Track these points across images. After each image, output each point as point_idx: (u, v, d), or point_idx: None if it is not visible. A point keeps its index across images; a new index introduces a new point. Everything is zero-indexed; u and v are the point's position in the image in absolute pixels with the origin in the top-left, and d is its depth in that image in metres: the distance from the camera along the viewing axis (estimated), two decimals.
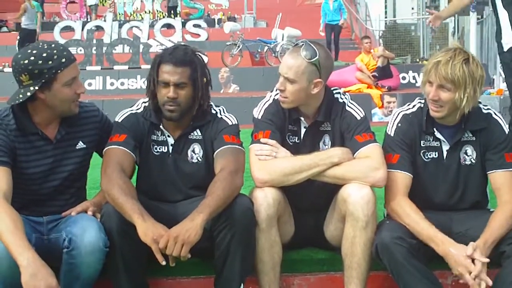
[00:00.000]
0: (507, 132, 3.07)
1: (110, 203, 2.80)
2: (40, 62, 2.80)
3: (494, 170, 3.04)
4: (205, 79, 3.03)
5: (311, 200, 3.19)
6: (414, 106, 3.14)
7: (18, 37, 14.42)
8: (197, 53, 3.07)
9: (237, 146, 3.03)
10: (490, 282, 2.74)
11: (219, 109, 3.16)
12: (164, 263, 2.63)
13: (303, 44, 3.04)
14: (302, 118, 3.15)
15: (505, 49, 4.46)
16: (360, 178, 2.94)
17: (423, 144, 3.08)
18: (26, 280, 2.47)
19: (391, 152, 3.05)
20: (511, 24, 4.50)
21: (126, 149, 2.98)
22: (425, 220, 2.88)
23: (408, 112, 3.12)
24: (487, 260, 2.75)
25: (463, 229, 3.02)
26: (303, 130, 3.16)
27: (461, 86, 2.88)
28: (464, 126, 3.05)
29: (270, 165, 2.98)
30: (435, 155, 3.08)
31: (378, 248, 2.87)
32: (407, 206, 2.94)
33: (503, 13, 4.51)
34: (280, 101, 3.10)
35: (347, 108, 3.15)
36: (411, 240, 2.85)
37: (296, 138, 3.16)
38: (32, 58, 2.80)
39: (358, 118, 3.12)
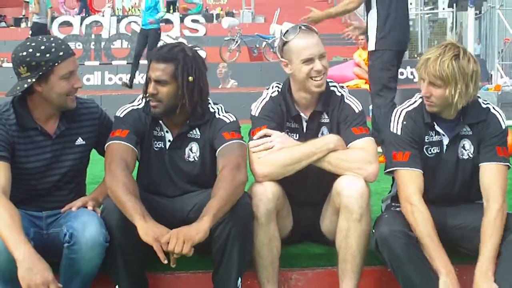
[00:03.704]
0: (504, 127, 3.06)
1: (112, 199, 2.80)
2: (37, 54, 2.81)
3: (484, 162, 3.02)
4: (190, 77, 2.96)
5: (308, 193, 3.20)
6: (415, 102, 3.13)
7: (31, 32, 14.42)
8: (188, 50, 3.01)
9: (237, 141, 3.02)
10: None
11: (218, 108, 3.14)
12: (166, 261, 2.62)
13: (301, 27, 3.11)
14: (302, 114, 3.16)
15: None
16: (353, 169, 2.96)
17: (427, 139, 3.07)
18: (22, 274, 2.49)
19: (401, 150, 3.02)
20: None
21: (129, 145, 2.97)
22: (439, 242, 2.86)
23: (410, 108, 3.11)
24: None
25: (457, 223, 3.04)
26: (304, 125, 3.18)
27: (451, 82, 2.88)
28: (463, 120, 3.06)
29: (269, 159, 3.00)
30: (438, 149, 3.08)
31: (377, 242, 2.89)
32: (425, 215, 2.89)
33: None
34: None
35: (345, 100, 3.17)
36: (410, 233, 2.87)
37: (294, 135, 3.17)
38: (30, 50, 2.82)
39: (357, 111, 3.14)
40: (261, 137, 3.06)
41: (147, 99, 3.03)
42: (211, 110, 3.12)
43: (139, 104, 3.12)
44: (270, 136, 3.05)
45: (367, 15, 5.70)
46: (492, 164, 3.00)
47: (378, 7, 5.54)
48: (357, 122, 3.10)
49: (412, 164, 3.00)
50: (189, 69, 2.97)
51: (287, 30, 3.13)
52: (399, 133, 3.06)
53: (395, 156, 3.03)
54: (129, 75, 13.67)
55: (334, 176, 3.00)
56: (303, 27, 3.10)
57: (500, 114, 3.08)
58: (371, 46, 5.60)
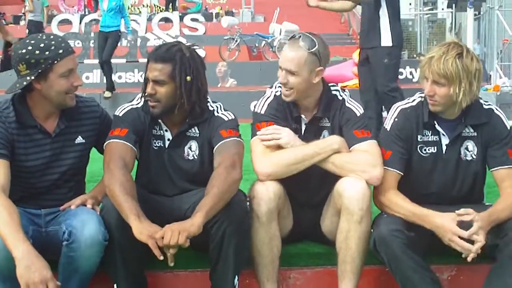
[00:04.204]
0: (509, 128, 3.07)
1: (109, 198, 2.80)
2: (37, 52, 2.81)
3: (499, 167, 3.03)
4: (188, 77, 2.96)
5: (310, 194, 3.21)
6: (414, 100, 3.15)
7: (27, 30, 14.43)
8: (186, 49, 3.00)
9: (234, 138, 3.02)
10: (482, 241, 2.75)
11: (217, 106, 3.14)
12: (162, 258, 2.62)
13: (300, 36, 3.07)
14: (302, 116, 3.16)
15: None
16: (357, 171, 2.96)
17: (420, 139, 3.08)
18: (21, 272, 2.48)
19: (384, 147, 3.07)
20: None
21: (128, 144, 2.97)
22: (412, 203, 2.93)
23: (406, 106, 3.13)
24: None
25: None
26: (303, 127, 3.18)
27: (455, 81, 2.89)
28: (464, 120, 3.06)
29: (272, 158, 3.00)
30: (434, 149, 3.08)
31: (376, 241, 2.89)
32: (393, 197, 2.98)
33: None
34: (284, 95, 3.11)
35: (347, 104, 3.18)
36: (408, 233, 2.87)
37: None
38: (30, 48, 2.82)
39: (358, 114, 3.14)
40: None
41: (146, 99, 3.03)
42: (210, 108, 3.12)
43: (138, 103, 3.12)
44: (278, 129, 3.06)
45: (377, 13, 5.75)
46: (506, 168, 3.02)
47: (388, 5, 5.71)
48: (359, 125, 3.10)
49: (389, 164, 3.04)
50: (186, 69, 2.97)
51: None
52: (388, 128, 3.11)
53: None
54: (129, 73, 13.65)
55: (337, 178, 3.01)
56: (296, 36, 3.08)
57: (503, 115, 3.10)
58: (387, 41, 5.69)
